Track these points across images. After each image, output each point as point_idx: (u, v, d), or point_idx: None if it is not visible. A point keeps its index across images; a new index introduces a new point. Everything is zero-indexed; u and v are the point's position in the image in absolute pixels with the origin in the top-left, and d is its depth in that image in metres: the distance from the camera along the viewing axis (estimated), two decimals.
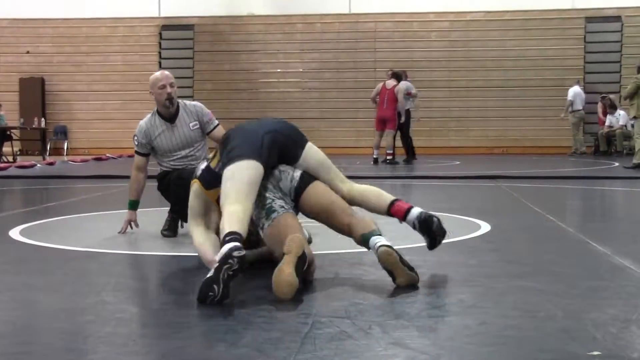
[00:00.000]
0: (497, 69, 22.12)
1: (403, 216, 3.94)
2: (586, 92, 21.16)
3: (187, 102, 5.70)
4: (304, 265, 3.40)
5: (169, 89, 5.44)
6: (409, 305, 3.27)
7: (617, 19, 22.34)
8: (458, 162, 16.24)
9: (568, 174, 12.25)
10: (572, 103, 19.41)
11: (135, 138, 5.56)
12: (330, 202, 3.88)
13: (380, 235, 3.64)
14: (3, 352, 2.64)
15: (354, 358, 2.51)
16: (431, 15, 22.53)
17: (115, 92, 22.79)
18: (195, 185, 4.09)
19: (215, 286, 3.19)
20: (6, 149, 17.91)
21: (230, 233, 3.39)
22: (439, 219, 3.96)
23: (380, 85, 15.44)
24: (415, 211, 3.93)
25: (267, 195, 3.82)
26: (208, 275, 3.24)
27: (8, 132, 18.09)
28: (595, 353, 2.51)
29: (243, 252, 3.27)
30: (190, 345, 2.66)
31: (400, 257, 3.57)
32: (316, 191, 3.90)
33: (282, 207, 3.79)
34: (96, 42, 23.15)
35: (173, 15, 23.06)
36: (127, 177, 11.95)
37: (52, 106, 23.16)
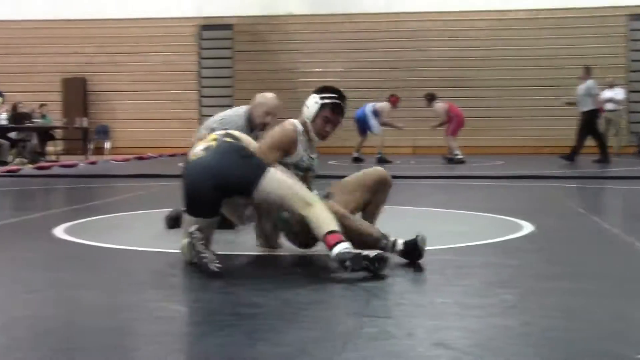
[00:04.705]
0: (548, 68, 21.78)
1: (330, 248, 3.80)
2: (630, 91, 20.93)
3: None
4: None
5: (268, 119, 5.66)
6: (451, 305, 3.25)
7: None
8: (502, 162, 16.11)
9: (614, 174, 12.07)
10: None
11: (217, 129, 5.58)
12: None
13: None
14: (50, 348, 2.68)
15: (396, 358, 2.50)
16: (475, 14, 22.34)
17: (156, 91, 22.93)
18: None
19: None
20: (50, 148, 18.14)
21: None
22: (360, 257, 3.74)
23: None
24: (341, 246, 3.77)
25: None
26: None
27: (51, 132, 18.33)
28: None
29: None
30: (233, 343, 2.67)
31: None
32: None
33: None
34: (136, 43, 23.32)
35: (212, 15, 23.16)
36: (168, 175, 12.07)
37: (94, 106, 23.39)
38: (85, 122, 19.32)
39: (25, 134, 16.42)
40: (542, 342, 2.67)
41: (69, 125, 19.06)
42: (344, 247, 3.73)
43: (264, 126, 5.69)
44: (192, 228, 3.93)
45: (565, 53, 21.84)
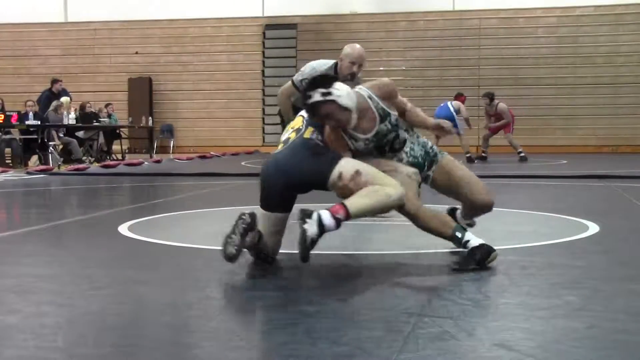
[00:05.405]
0: (607, 65, 21.41)
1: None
2: None
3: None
4: None
5: (354, 69, 5.75)
6: (514, 306, 3.20)
7: None
8: (565, 161, 15.84)
9: None
10: None
11: (304, 81, 5.73)
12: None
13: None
14: (113, 344, 2.71)
15: (457, 359, 2.47)
16: (538, 11, 22.04)
17: (220, 91, 23.17)
18: None
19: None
20: (115, 147, 18.45)
21: None
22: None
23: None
24: None
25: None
26: None
27: (117, 131, 18.64)
28: None
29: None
30: (293, 342, 2.67)
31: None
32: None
33: None
34: (201, 42, 23.58)
35: (276, 14, 23.28)
36: (232, 174, 12.15)
37: (159, 105, 23.72)
38: (150, 121, 19.61)
39: (92, 133, 16.73)
40: (608, 346, 2.61)
41: (135, 125, 19.36)
42: (322, 215, 3.71)
43: (352, 76, 5.78)
44: (247, 212, 3.97)
45: (626, 50, 21.39)
